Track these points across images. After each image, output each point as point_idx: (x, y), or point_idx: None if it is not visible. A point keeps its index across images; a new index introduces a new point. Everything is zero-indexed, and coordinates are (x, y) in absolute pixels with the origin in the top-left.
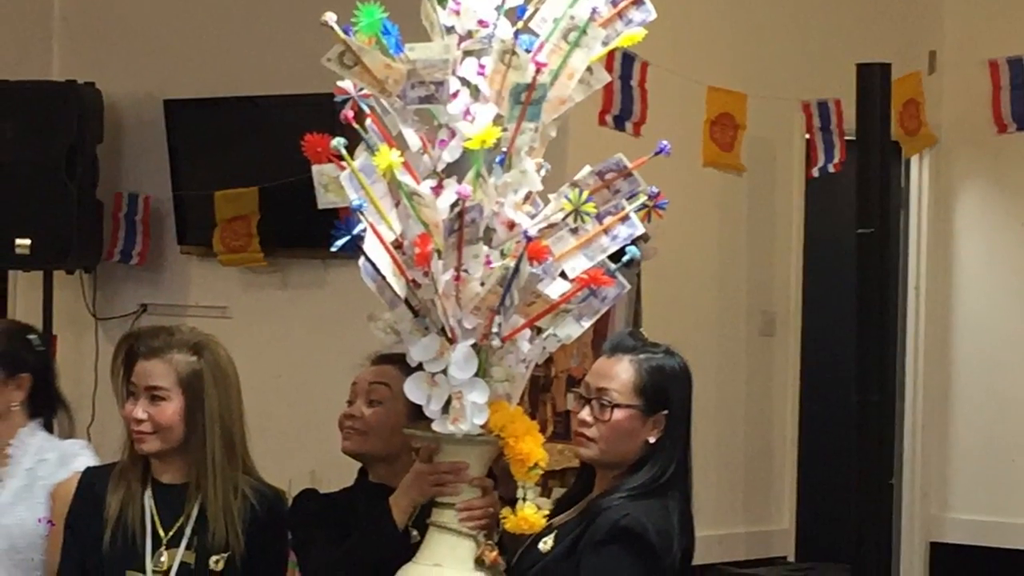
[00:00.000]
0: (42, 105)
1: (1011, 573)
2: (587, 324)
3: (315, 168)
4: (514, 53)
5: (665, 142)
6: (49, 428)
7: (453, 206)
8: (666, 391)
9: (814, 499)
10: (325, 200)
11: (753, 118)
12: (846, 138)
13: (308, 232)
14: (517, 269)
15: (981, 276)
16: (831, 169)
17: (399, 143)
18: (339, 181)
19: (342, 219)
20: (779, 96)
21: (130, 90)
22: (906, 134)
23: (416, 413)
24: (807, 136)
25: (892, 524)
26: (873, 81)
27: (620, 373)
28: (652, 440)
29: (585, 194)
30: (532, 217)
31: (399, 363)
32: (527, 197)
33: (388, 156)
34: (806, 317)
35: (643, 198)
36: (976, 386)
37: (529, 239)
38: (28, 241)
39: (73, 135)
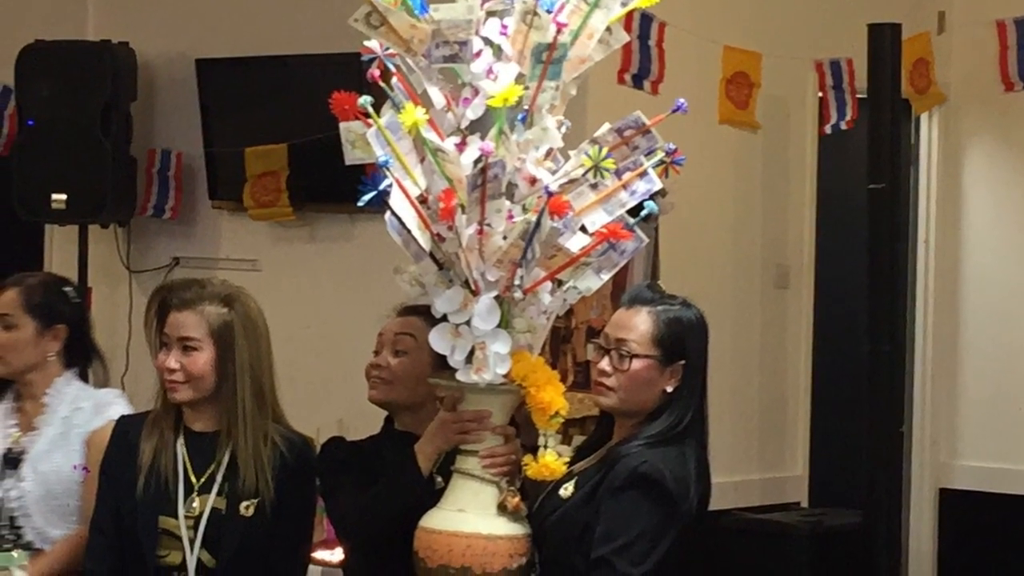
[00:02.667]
0: (78, 64)
1: (1017, 518)
2: (606, 277)
3: (342, 125)
4: (535, 14)
5: (682, 100)
6: (84, 378)
7: (476, 162)
8: (683, 342)
9: (827, 446)
10: (352, 156)
11: (767, 77)
12: (858, 96)
13: (336, 187)
14: (538, 223)
15: (989, 230)
16: (843, 126)
17: (424, 101)
18: (366, 138)
19: (369, 175)
20: (793, 56)
21: (163, 50)
22: (916, 92)
23: (441, 363)
24: (820, 94)
25: (902, 471)
26: (884, 41)
27: (638, 324)
28: (669, 389)
29: (605, 150)
30: (553, 173)
31: (424, 314)
32: (548, 154)
33: (413, 113)
34: (819, 270)
35: (661, 154)
36: (984, 337)
37: (550, 194)
38: (64, 196)
39: (108, 93)
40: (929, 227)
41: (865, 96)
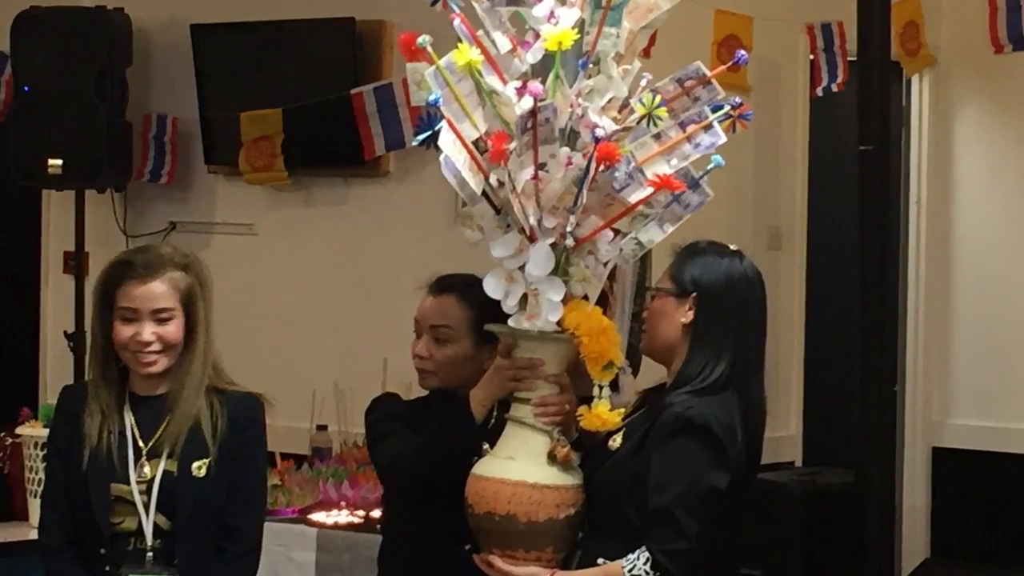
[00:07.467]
0: (73, 30)
1: (1009, 476)
2: (670, 230)
3: (409, 66)
4: None
5: (742, 52)
6: None
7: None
8: (693, 274)
9: (820, 406)
10: (418, 97)
11: (759, 40)
12: (848, 59)
13: (331, 151)
14: (587, 170)
15: (979, 190)
16: (834, 88)
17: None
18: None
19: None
20: (784, 18)
21: (158, 15)
22: (906, 55)
23: (482, 338)
24: (811, 57)
25: (896, 430)
26: (873, 4)
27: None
28: (685, 321)
29: (658, 99)
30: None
31: (458, 290)
32: (624, 105)
33: (467, 53)
34: (811, 231)
35: (727, 108)
36: (976, 296)
37: (597, 140)
38: (60, 161)
39: (103, 59)
40: (920, 188)
41: (855, 59)
